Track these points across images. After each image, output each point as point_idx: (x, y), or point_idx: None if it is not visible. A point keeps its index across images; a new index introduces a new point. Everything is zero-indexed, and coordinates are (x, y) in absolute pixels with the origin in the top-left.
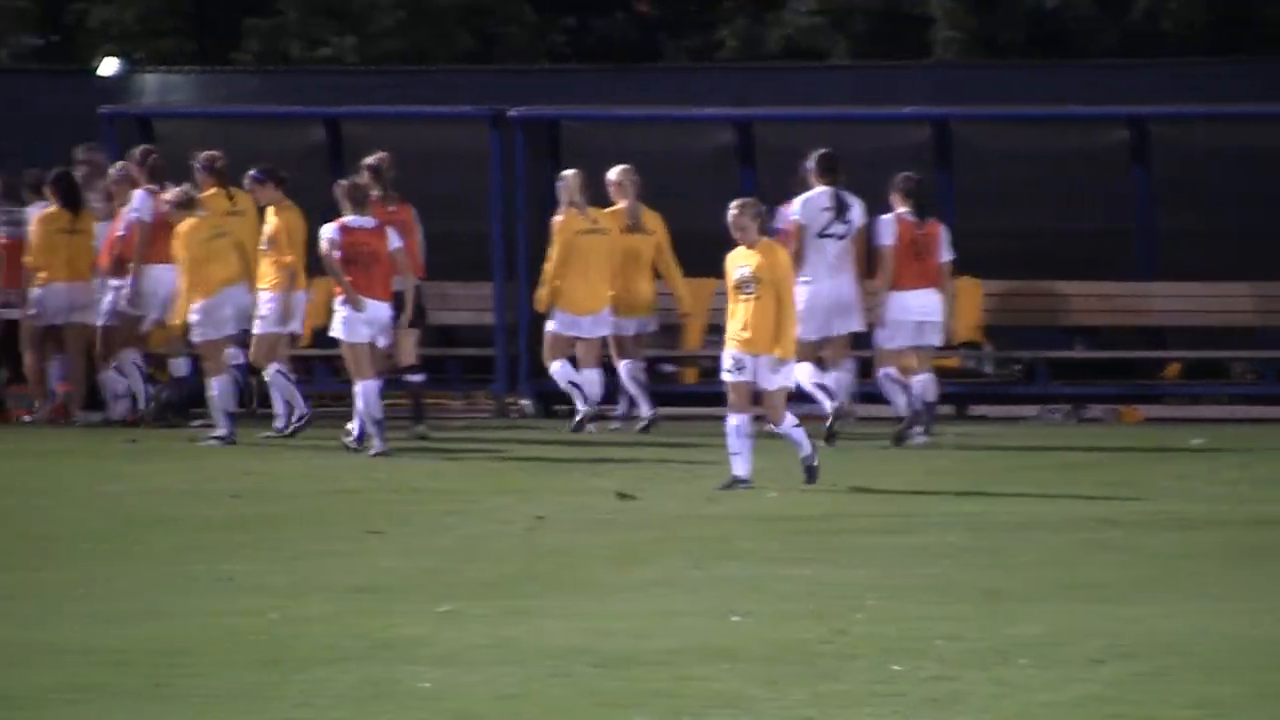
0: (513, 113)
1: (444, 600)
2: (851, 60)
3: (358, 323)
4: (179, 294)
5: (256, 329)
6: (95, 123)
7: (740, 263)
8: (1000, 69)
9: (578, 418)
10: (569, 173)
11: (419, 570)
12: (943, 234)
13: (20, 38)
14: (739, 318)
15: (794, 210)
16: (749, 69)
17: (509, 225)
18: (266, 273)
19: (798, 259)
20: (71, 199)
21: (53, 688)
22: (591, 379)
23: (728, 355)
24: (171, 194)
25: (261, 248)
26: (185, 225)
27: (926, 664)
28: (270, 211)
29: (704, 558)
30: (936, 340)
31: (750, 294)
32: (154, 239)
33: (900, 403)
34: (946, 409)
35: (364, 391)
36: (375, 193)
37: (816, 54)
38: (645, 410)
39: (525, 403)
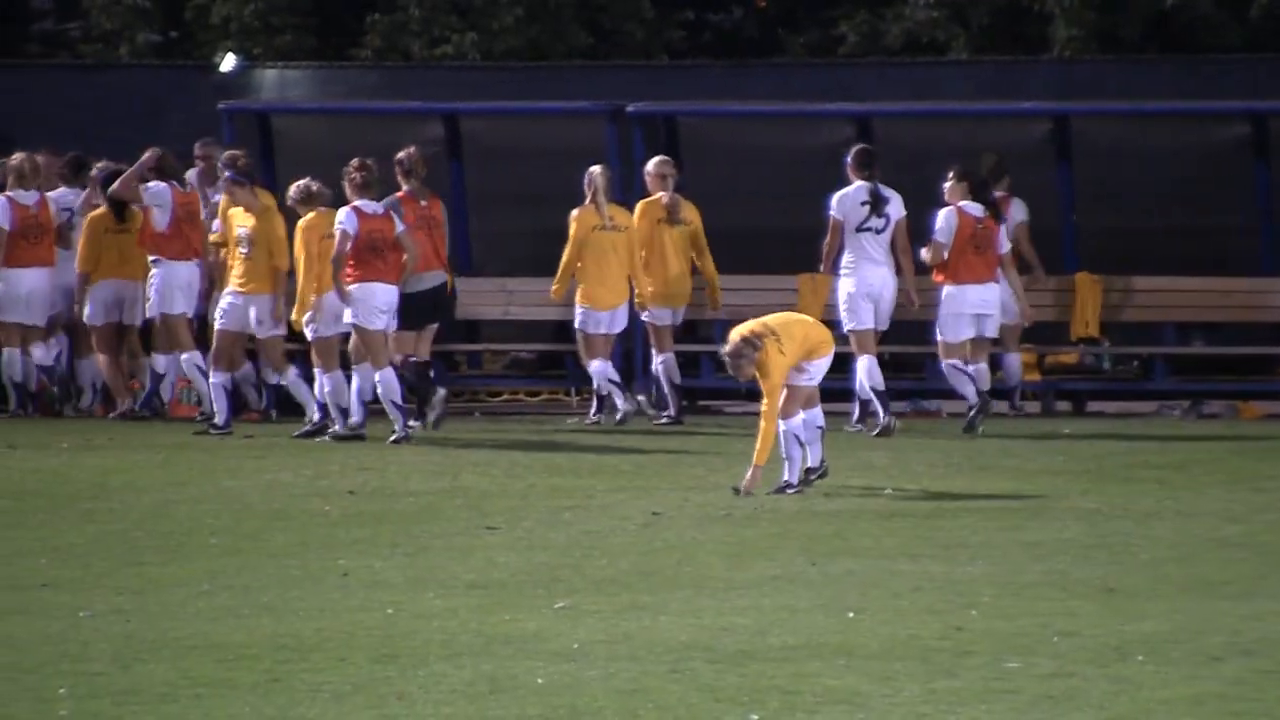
0: (630, 108)
1: (560, 596)
2: (971, 55)
3: (373, 311)
4: (297, 289)
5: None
6: (214, 118)
7: None
8: (1121, 64)
9: (619, 416)
10: (595, 169)
11: (535, 566)
12: (1001, 227)
13: (141, 34)
14: None
15: (831, 205)
16: (868, 64)
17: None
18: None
19: (833, 253)
20: (115, 201)
21: (174, 682)
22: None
23: None
24: (293, 189)
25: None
26: (305, 221)
27: (1042, 660)
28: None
29: (820, 554)
30: (993, 332)
31: None
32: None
33: (969, 392)
34: (1064, 405)
35: (384, 379)
36: (405, 187)
37: (936, 48)
38: (671, 410)
39: (641, 399)
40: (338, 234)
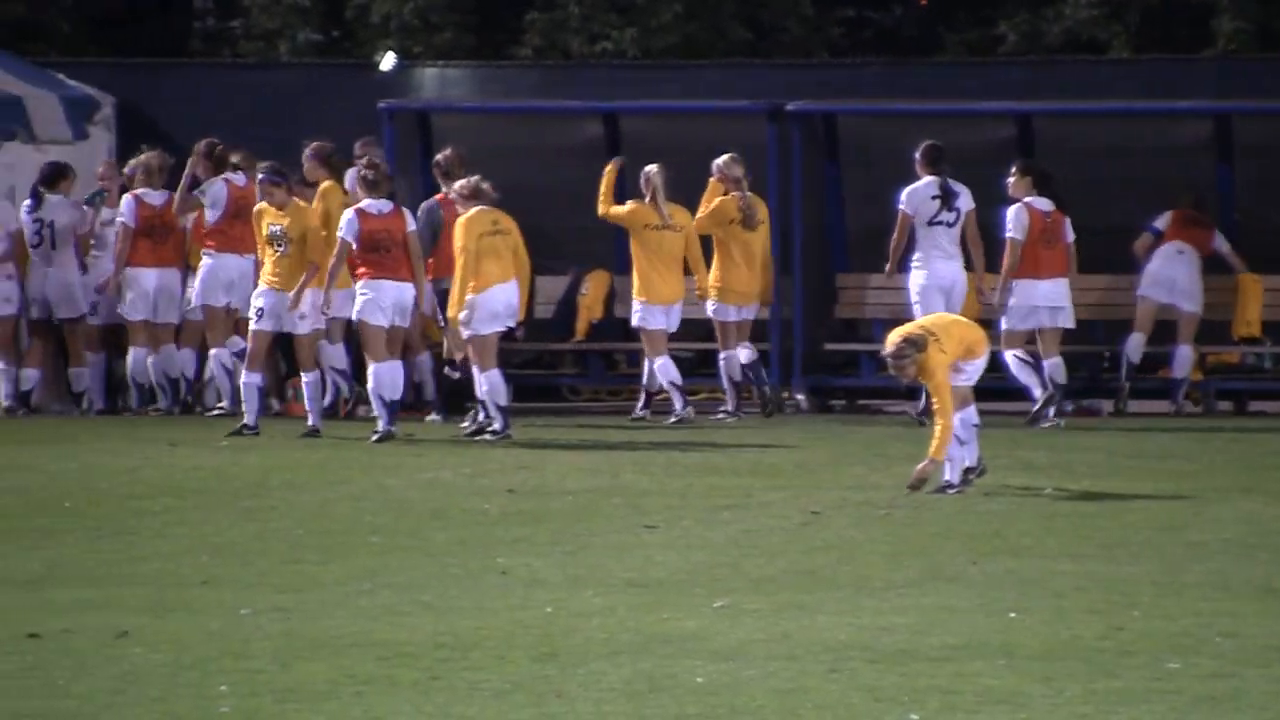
0: (790, 107)
1: (719, 595)
2: (1131, 53)
3: (375, 307)
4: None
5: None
6: (374, 118)
7: None
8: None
9: (674, 419)
10: (652, 168)
11: (694, 565)
12: (1067, 220)
13: (301, 33)
14: None
15: (901, 200)
16: (1029, 63)
17: (785, 220)
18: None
19: (900, 249)
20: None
21: (336, 679)
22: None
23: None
24: (458, 184)
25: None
26: (465, 218)
27: (1204, 661)
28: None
29: (981, 553)
30: (1068, 323)
31: None
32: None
33: (1034, 382)
34: (1225, 405)
35: (376, 373)
36: (444, 190)
37: (1096, 47)
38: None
39: (799, 397)
40: (342, 233)
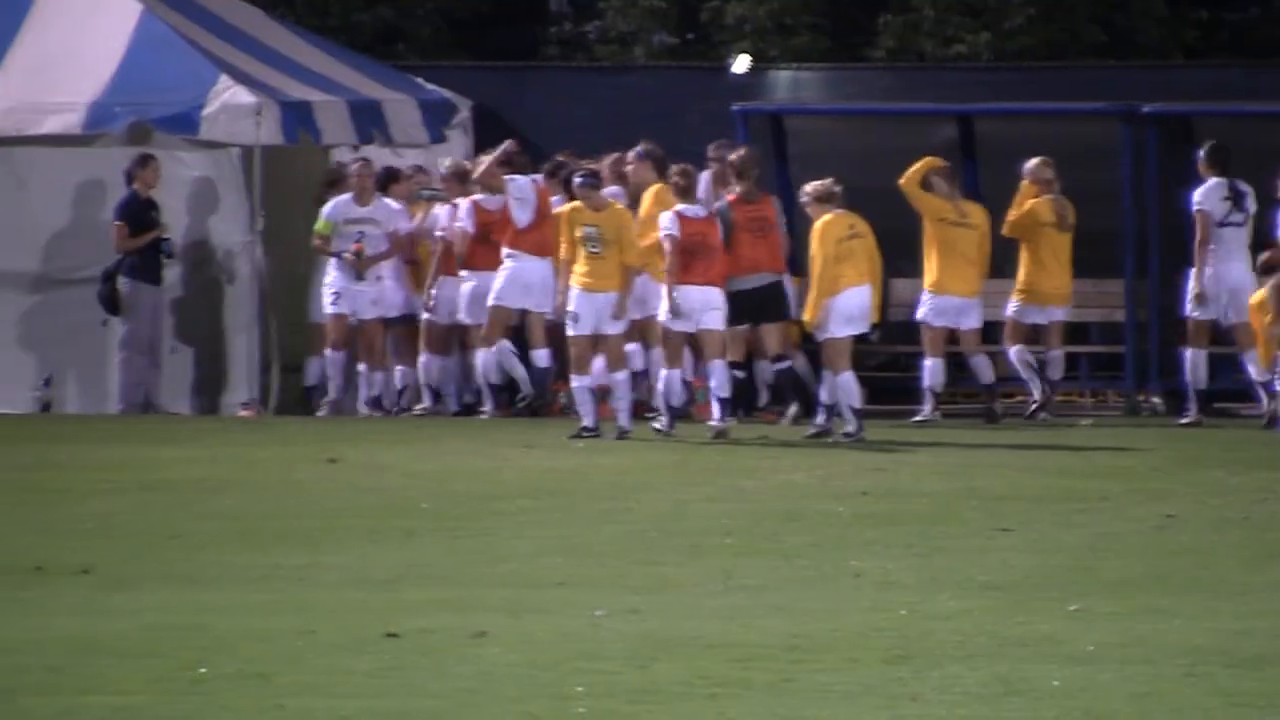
0: (1146, 109)
1: (1074, 598)
2: None
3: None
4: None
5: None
6: (729, 120)
7: None
8: None
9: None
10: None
11: (1049, 568)
12: None
13: (656, 36)
14: None
15: (1196, 200)
16: None
17: (1140, 222)
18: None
19: (1205, 249)
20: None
21: (689, 681)
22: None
23: None
24: (811, 188)
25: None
26: (821, 222)
27: None
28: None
29: None
30: None
31: None
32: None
33: None
34: None
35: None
36: (736, 188)
37: None
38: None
39: (1156, 400)
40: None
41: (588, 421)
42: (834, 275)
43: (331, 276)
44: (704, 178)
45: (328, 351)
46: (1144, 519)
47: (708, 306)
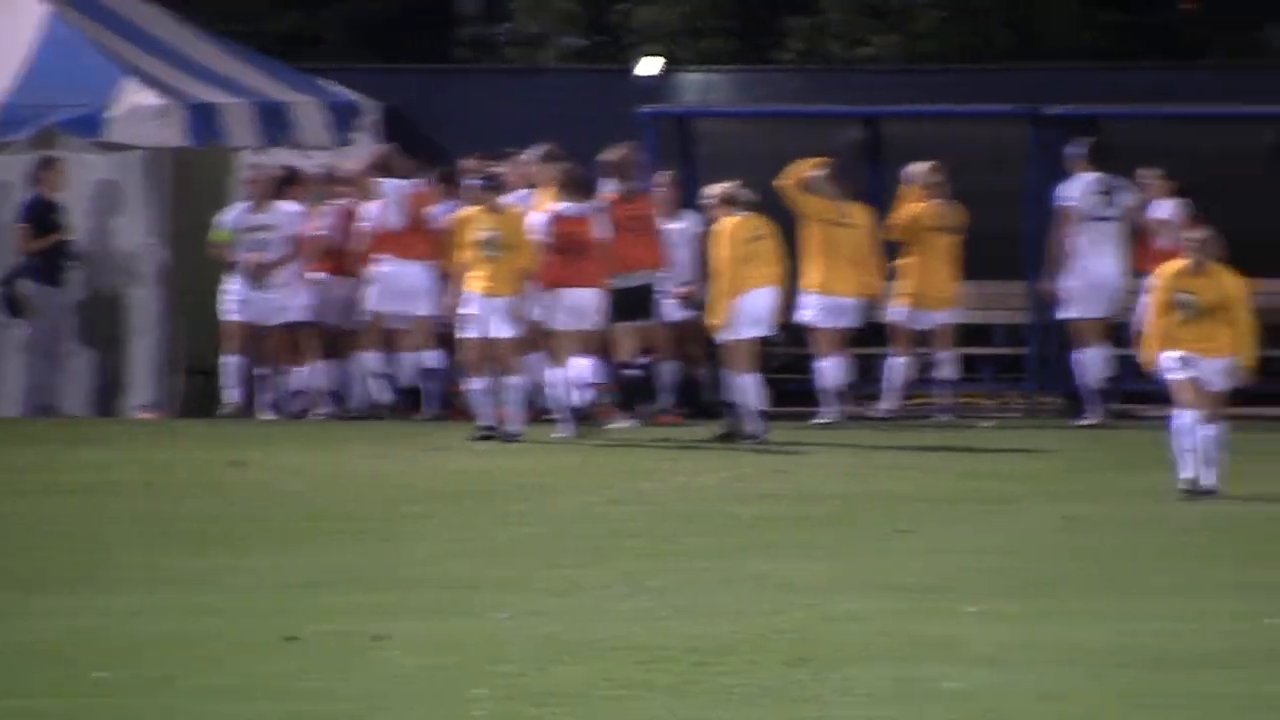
0: (1051, 110)
1: (975, 600)
2: None
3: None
4: (714, 294)
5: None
6: (636, 123)
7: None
8: None
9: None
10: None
11: (949, 569)
12: None
13: (565, 39)
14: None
15: (1064, 195)
16: None
17: (1043, 224)
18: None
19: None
20: None
21: (592, 683)
22: None
23: (1173, 355)
24: (716, 189)
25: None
26: (723, 224)
27: None
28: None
29: (1242, 559)
30: None
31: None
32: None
33: None
34: None
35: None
36: (614, 188)
37: None
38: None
39: (1057, 401)
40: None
41: (486, 423)
42: (739, 277)
43: (233, 282)
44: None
45: (228, 357)
46: (1045, 520)
47: (581, 308)
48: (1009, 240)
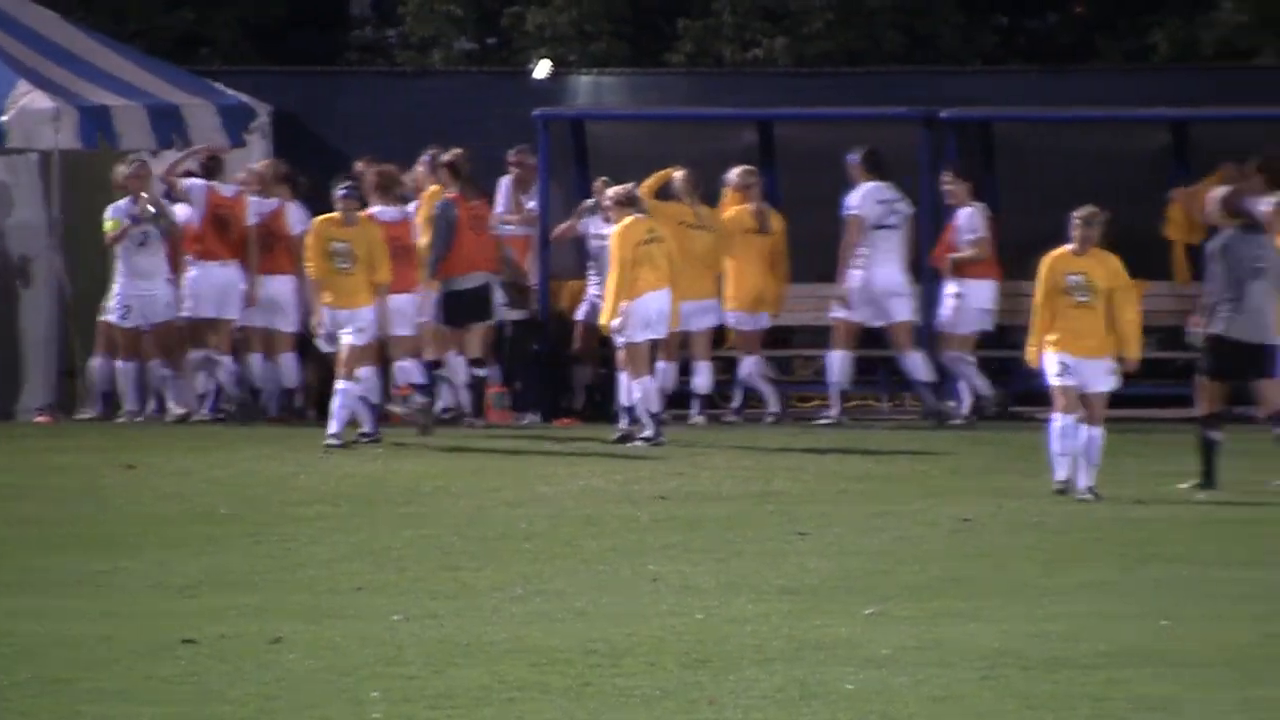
0: (944, 114)
1: (871, 602)
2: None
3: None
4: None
5: None
6: (529, 126)
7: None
8: None
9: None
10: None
11: (845, 571)
12: None
13: (456, 41)
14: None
15: (849, 203)
16: (1183, 70)
17: (938, 227)
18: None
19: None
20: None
21: (488, 686)
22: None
23: (1054, 359)
24: (613, 193)
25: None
26: (622, 225)
27: None
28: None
29: (1134, 560)
30: None
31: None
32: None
33: None
34: None
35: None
36: (454, 188)
37: (1246, 55)
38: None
39: (951, 404)
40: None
41: (333, 429)
42: (631, 279)
43: (118, 286)
44: (504, 183)
45: (118, 363)
46: (940, 523)
47: (401, 311)
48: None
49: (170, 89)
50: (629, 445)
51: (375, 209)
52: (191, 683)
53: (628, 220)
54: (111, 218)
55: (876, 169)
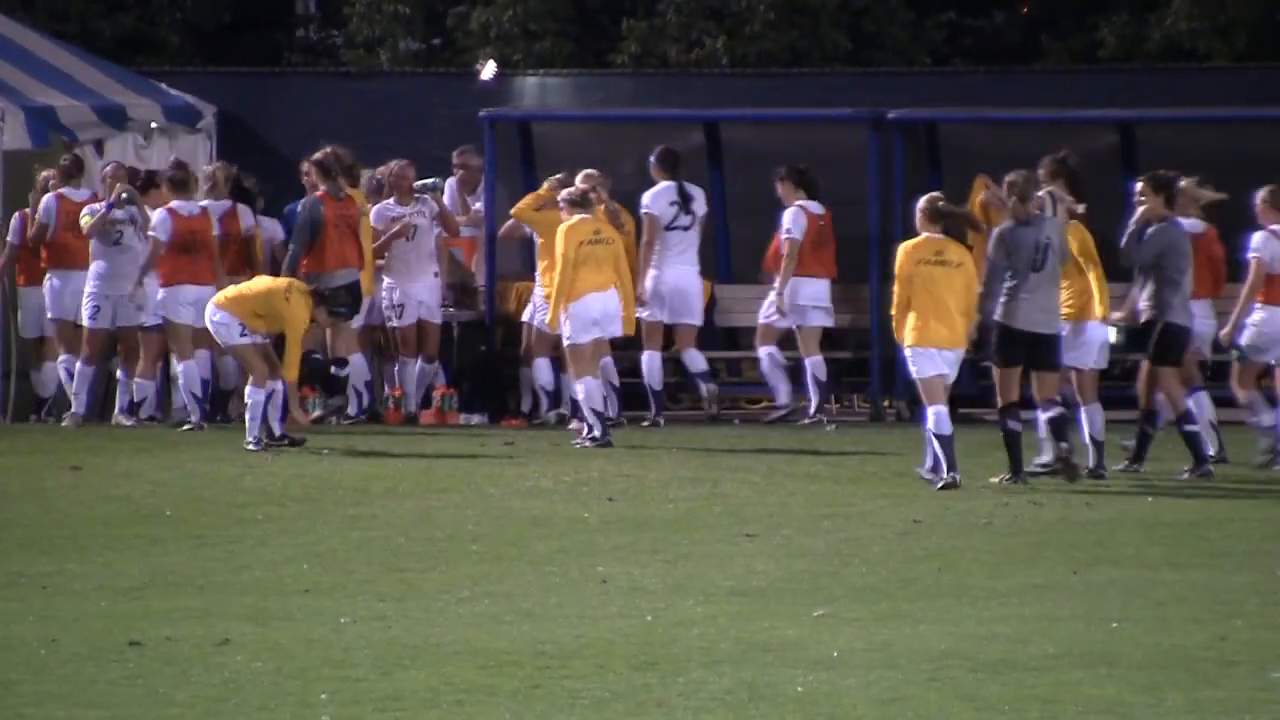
0: (891, 114)
1: (820, 604)
2: (1233, 62)
3: (177, 304)
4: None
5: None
6: (475, 126)
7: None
8: None
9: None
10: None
11: (794, 573)
12: None
13: (402, 42)
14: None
15: (644, 203)
16: (1131, 70)
17: (886, 227)
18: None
19: (649, 248)
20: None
21: (436, 688)
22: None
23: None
24: (566, 193)
25: None
26: (567, 225)
27: None
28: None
29: (1082, 562)
30: None
31: None
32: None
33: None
34: None
35: (185, 371)
36: (323, 187)
37: (1197, 56)
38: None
39: (900, 405)
40: (154, 233)
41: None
42: (572, 279)
43: (90, 286)
44: (450, 184)
45: (79, 365)
46: (889, 524)
47: (202, 303)
48: (852, 244)
49: (116, 88)
50: (573, 444)
51: (174, 203)
52: (138, 686)
53: (573, 220)
54: (87, 214)
55: (672, 169)
